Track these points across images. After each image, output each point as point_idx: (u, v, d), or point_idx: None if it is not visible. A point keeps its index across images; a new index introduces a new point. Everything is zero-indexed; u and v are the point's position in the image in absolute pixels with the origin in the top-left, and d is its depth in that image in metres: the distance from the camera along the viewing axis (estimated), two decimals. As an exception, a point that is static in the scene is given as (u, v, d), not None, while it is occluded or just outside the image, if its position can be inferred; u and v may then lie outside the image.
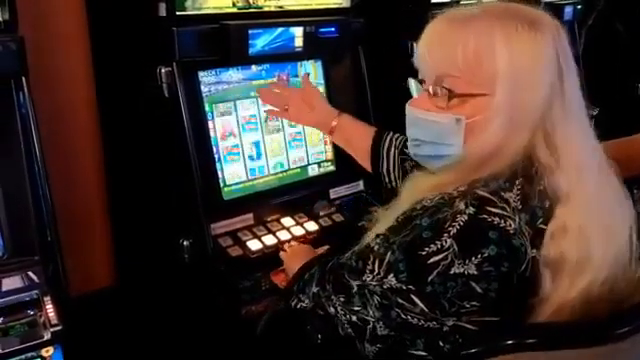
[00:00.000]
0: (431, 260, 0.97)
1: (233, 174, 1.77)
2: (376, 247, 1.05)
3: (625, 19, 3.10)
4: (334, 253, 1.23)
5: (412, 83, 1.17)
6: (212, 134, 1.73)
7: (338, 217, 1.85)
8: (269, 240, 1.68)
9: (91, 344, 1.52)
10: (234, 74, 1.78)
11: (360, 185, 1.95)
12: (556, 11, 2.66)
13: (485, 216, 0.96)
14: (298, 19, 1.75)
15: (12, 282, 1.34)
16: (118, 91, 1.83)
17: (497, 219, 0.96)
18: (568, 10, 2.76)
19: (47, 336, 1.26)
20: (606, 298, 0.98)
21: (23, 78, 1.38)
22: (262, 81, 1.84)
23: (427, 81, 1.10)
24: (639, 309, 0.97)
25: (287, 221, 1.77)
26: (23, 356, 1.24)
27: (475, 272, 0.96)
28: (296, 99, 1.69)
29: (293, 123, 1.86)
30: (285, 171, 1.90)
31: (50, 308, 1.30)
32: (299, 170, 1.93)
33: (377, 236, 1.06)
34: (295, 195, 1.85)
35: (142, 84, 1.65)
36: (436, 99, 1.08)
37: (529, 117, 1.02)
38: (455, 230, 0.96)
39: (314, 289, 1.20)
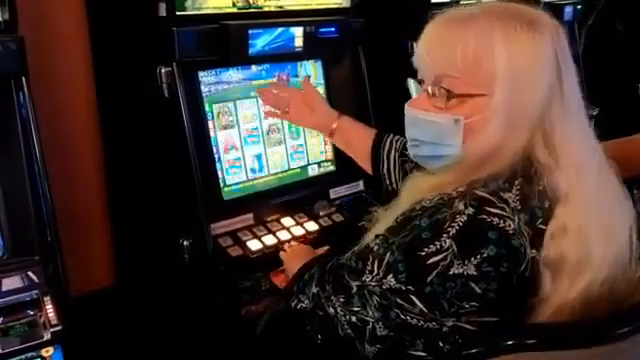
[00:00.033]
0: (430, 261, 0.97)
1: (233, 174, 1.78)
2: (375, 247, 1.05)
3: (625, 19, 3.10)
4: (334, 253, 1.23)
5: (411, 83, 1.17)
6: (212, 134, 1.73)
7: (338, 217, 1.85)
8: (269, 240, 1.68)
9: (91, 344, 1.52)
10: (234, 74, 1.78)
11: (360, 185, 1.95)
12: (556, 11, 2.68)
13: (484, 216, 0.96)
14: (298, 19, 1.75)
15: (12, 282, 1.34)
16: (118, 91, 1.83)
17: (496, 219, 0.96)
18: (568, 10, 2.76)
19: (47, 336, 1.26)
20: (606, 298, 0.98)
21: (23, 78, 1.38)
22: (262, 81, 1.84)
23: (426, 81, 1.10)
24: (639, 309, 0.97)
25: (287, 221, 1.77)
26: (23, 356, 1.24)
27: (474, 272, 0.96)
28: (296, 101, 1.69)
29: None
30: (285, 171, 1.90)
31: (50, 308, 1.30)
32: (299, 170, 1.93)
33: (376, 237, 1.06)
34: (295, 195, 1.85)
35: (142, 84, 1.65)
36: (435, 99, 1.08)
37: (528, 117, 1.02)
38: (454, 231, 0.96)
39: (314, 289, 1.20)
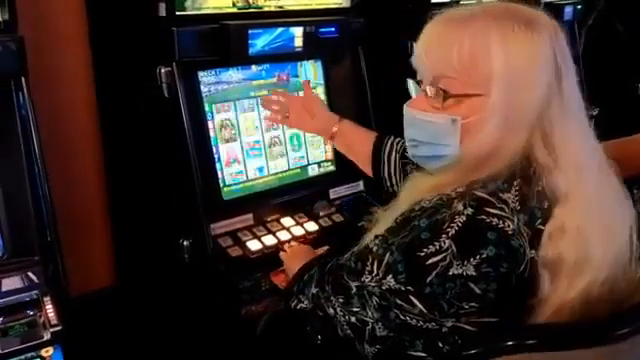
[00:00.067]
0: (430, 261, 0.97)
1: (233, 175, 1.78)
2: (375, 248, 1.05)
3: (625, 19, 3.10)
4: (334, 253, 1.23)
5: (410, 84, 1.17)
6: (212, 134, 1.73)
7: (338, 217, 1.85)
8: (269, 240, 1.68)
9: (91, 344, 1.52)
10: (234, 74, 1.78)
11: (360, 185, 1.95)
12: (556, 11, 2.68)
13: (483, 217, 0.96)
14: (298, 19, 1.75)
15: (12, 282, 1.34)
16: (118, 91, 1.83)
17: (495, 220, 0.96)
18: (568, 10, 2.76)
19: (47, 336, 1.26)
20: (606, 299, 0.98)
21: (23, 78, 1.38)
22: (262, 81, 1.84)
23: (424, 82, 1.10)
24: (639, 310, 0.97)
25: (287, 221, 1.77)
26: (23, 356, 1.24)
27: (474, 273, 0.96)
28: (296, 106, 1.71)
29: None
30: (285, 171, 1.90)
31: (50, 308, 1.30)
32: (299, 170, 1.93)
33: (376, 237, 1.06)
34: (295, 195, 1.85)
35: (142, 84, 1.65)
36: (433, 100, 1.08)
37: (526, 117, 1.01)
38: (453, 231, 0.96)
39: (313, 290, 1.20)
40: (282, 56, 1.78)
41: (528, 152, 1.02)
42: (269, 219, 1.76)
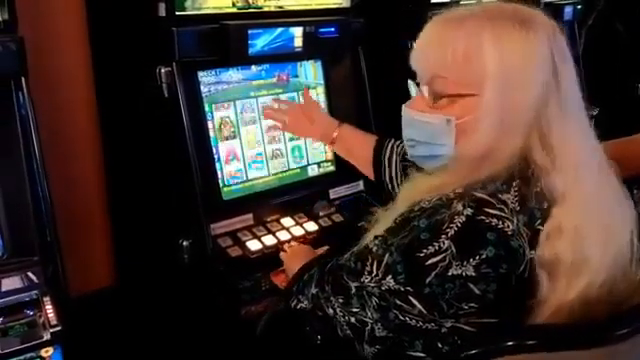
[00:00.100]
0: (429, 262, 0.97)
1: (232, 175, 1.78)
2: (374, 248, 1.05)
3: (625, 19, 3.10)
4: (334, 254, 1.23)
5: (410, 85, 1.17)
6: (212, 134, 1.73)
7: (338, 217, 1.84)
8: (269, 240, 1.68)
9: (91, 344, 1.52)
10: (234, 74, 1.78)
11: (360, 185, 1.95)
12: (556, 11, 2.68)
13: (483, 217, 0.96)
14: (298, 19, 1.75)
15: (12, 282, 1.34)
16: (118, 91, 1.83)
17: (495, 220, 0.96)
18: (568, 10, 2.76)
19: (47, 336, 1.26)
20: (605, 300, 0.98)
21: (23, 78, 1.38)
22: (262, 81, 1.84)
23: (421, 82, 1.11)
24: (638, 311, 0.97)
25: (287, 221, 1.77)
26: (22, 356, 1.24)
27: (473, 273, 0.96)
28: (296, 113, 1.73)
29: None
30: (285, 171, 1.90)
31: (50, 308, 1.30)
32: (299, 170, 1.93)
33: (375, 237, 1.06)
34: (295, 195, 1.85)
35: (142, 84, 1.65)
36: (429, 100, 1.09)
37: (522, 117, 1.01)
38: (453, 232, 0.96)
39: (313, 290, 1.20)
40: (282, 56, 1.78)
41: (526, 153, 1.01)
42: (269, 219, 1.76)
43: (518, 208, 0.97)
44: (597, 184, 1.03)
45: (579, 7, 2.85)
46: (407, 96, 1.19)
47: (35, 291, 1.34)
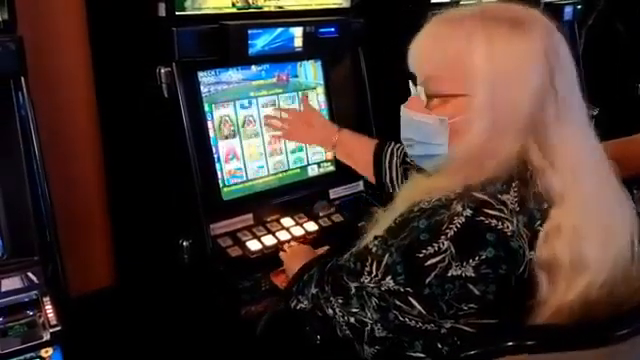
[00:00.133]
0: (428, 262, 0.97)
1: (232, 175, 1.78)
2: (374, 249, 1.05)
3: (625, 19, 3.10)
4: (334, 254, 1.23)
5: (411, 85, 1.17)
6: (212, 134, 1.73)
7: (338, 217, 1.84)
8: (269, 240, 1.68)
9: (91, 344, 1.52)
10: (234, 74, 1.77)
11: (360, 185, 1.95)
12: (556, 11, 2.68)
13: (482, 218, 0.96)
14: (298, 19, 1.75)
15: (11, 283, 1.34)
16: (117, 91, 1.82)
17: (495, 221, 0.96)
18: (568, 10, 2.76)
19: (46, 337, 1.26)
20: (605, 301, 0.98)
21: (22, 78, 1.38)
22: (262, 81, 1.84)
23: (417, 82, 1.12)
24: (639, 311, 0.97)
25: (287, 221, 1.77)
26: (22, 357, 1.24)
27: (473, 274, 0.96)
28: (296, 120, 1.75)
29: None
30: (285, 171, 1.90)
31: (49, 309, 1.30)
32: (299, 170, 1.93)
33: (375, 238, 1.07)
34: (295, 195, 1.85)
35: (142, 84, 1.65)
36: (424, 100, 1.10)
37: (515, 118, 1.01)
38: (452, 232, 0.96)
39: (313, 290, 1.20)
40: (282, 56, 1.78)
41: (524, 154, 1.01)
42: (269, 219, 1.75)
43: (518, 209, 0.97)
44: (596, 185, 1.03)
45: (579, 7, 2.85)
46: (407, 96, 1.19)
47: (35, 291, 1.34)
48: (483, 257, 0.95)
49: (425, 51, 1.08)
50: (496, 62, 1.00)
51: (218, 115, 1.74)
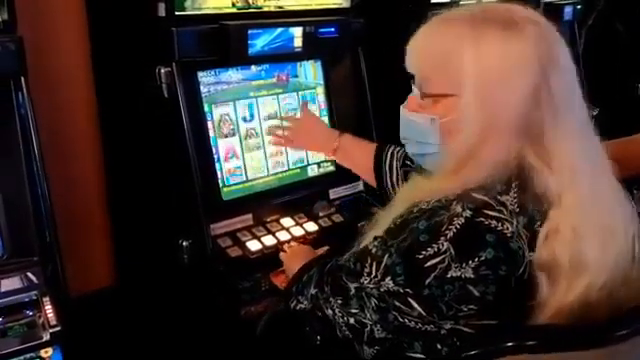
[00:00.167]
0: (428, 264, 0.97)
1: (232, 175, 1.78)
2: (374, 250, 1.05)
3: (625, 19, 3.09)
4: (334, 254, 1.23)
5: (412, 84, 1.18)
6: (211, 134, 1.73)
7: (338, 217, 1.84)
8: (269, 241, 1.68)
9: (91, 344, 1.52)
10: (233, 74, 1.77)
11: (360, 185, 1.95)
12: (556, 11, 2.68)
13: (482, 219, 0.96)
14: (298, 19, 1.75)
15: (11, 283, 1.34)
16: (117, 91, 1.82)
17: (494, 222, 0.96)
18: (568, 10, 2.76)
19: (46, 337, 1.26)
20: (605, 303, 0.98)
21: (22, 78, 1.38)
22: (262, 81, 1.84)
23: (415, 82, 1.13)
24: (638, 312, 0.97)
25: (287, 221, 1.77)
26: (22, 357, 1.24)
27: (472, 276, 0.96)
28: (296, 127, 1.76)
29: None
30: (285, 171, 1.90)
31: (49, 309, 1.30)
32: (299, 170, 1.93)
33: (375, 239, 1.07)
34: (295, 195, 1.85)
35: (141, 84, 1.65)
36: (418, 99, 1.11)
37: (507, 119, 1.00)
38: (452, 233, 0.96)
39: (312, 291, 1.20)
40: (282, 56, 1.78)
41: (520, 155, 1.01)
42: (269, 219, 1.75)
43: (517, 210, 0.97)
44: (595, 185, 1.02)
45: (579, 7, 2.85)
46: (407, 96, 1.20)
47: (35, 291, 1.33)
48: (483, 258, 0.95)
49: (419, 51, 1.09)
50: (484, 63, 1.00)
51: (218, 113, 1.74)
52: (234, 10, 1.67)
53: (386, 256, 1.02)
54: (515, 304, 0.99)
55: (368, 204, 1.87)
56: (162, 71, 1.57)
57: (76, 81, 1.87)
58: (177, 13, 1.55)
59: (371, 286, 1.04)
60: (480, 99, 1.01)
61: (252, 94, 1.82)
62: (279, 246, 1.65)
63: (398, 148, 1.58)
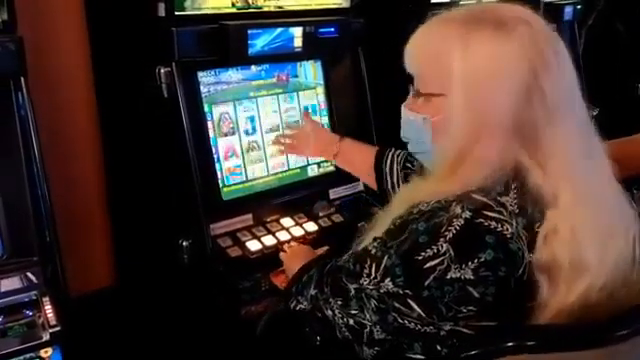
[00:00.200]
0: (427, 265, 0.97)
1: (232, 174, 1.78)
2: (373, 251, 1.05)
3: (625, 19, 3.09)
4: (333, 254, 1.23)
5: (411, 84, 1.18)
6: (211, 134, 1.73)
7: (338, 218, 1.84)
8: (268, 241, 1.68)
9: (91, 344, 1.52)
10: (233, 74, 1.77)
11: (360, 185, 1.95)
12: (556, 11, 2.68)
13: (482, 220, 0.96)
14: (298, 19, 1.75)
15: (11, 283, 1.34)
16: (117, 91, 1.82)
17: (494, 223, 0.95)
18: (568, 10, 2.76)
19: (46, 337, 1.26)
20: (605, 304, 0.97)
21: (22, 78, 1.38)
22: (261, 81, 1.84)
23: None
24: (638, 311, 0.97)
25: (287, 221, 1.77)
26: (22, 357, 1.24)
27: (472, 277, 0.95)
28: (300, 136, 1.78)
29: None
30: (285, 171, 1.90)
31: (49, 309, 1.30)
32: (299, 170, 1.93)
33: (374, 239, 1.06)
34: (295, 195, 1.85)
35: (141, 84, 1.65)
36: (415, 98, 1.12)
37: (497, 119, 1.00)
38: (451, 235, 0.96)
39: (312, 291, 1.20)
40: (282, 56, 1.78)
41: (516, 155, 1.00)
42: (269, 219, 1.75)
43: (517, 211, 0.97)
44: (594, 185, 1.02)
45: (579, 7, 2.84)
46: (407, 96, 1.20)
47: (34, 291, 1.34)
48: (482, 259, 0.95)
49: (414, 51, 1.10)
50: (472, 63, 1.00)
51: (217, 112, 1.74)
52: (234, 10, 1.67)
53: (385, 257, 1.02)
54: (515, 305, 0.98)
55: (368, 204, 1.87)
56: (162, 71, 1.57)
57: (76, 81, 1.87)
58: (177, 13, 1.55)
59: (371, 287, 1.04)
60: (468, 99, 1.01)
61: (252, 94, 1.82)
62: (279, 246, 1.65)
63: (398, 151, 1.58)
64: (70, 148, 1.89)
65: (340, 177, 1.94)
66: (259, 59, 1.75)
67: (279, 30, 1.69)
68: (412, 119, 1.13)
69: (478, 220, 0.96)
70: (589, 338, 0.93)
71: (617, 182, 1.07)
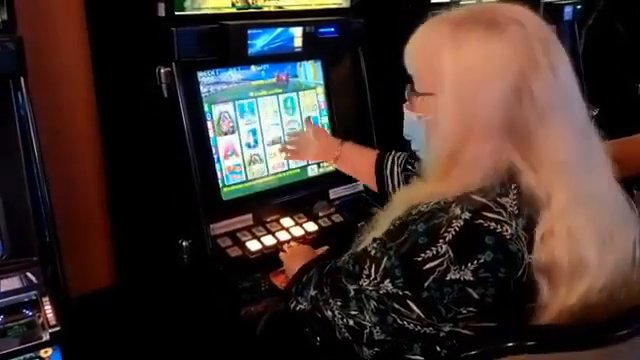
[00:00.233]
0: (427, 266, 0.97)
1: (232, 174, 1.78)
2: (373, 252, 1.05)
3: (625, 19, 3.09)
4: (333, 254, 1.23)
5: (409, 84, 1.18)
6: (211, 134, 1.73)
7: (338, 218, 1.84)
8: (268, 241, 1.68)
9: (90, 344, 1.52)
10: (233, 74, 1.77)
11: (360, 186, 1.95)
12: (556, 11, 2.67)
13: (481, 221, 0.96)
14: (298, 19, 1.75)
15: (11, 283, 1.34)
16: (117, 91, 1.82)
17: (493, 224, 0.95)
18: (568, 10, 2.76)
19: (46, 337, 1.26)
20: (605, 305, 0.97)
21: (22, 78, 1.38)
22: (261, 81, 1.84)
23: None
24: (638, 312, 0.97)
25: (286, 221, 1.77)
26: (22, 357, 1.23)
27: (471, 278, 0.95)
28: (300, 140, 1.80)
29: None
30: (285, 171, 1.90)
31: (49, 309, 1.30)
32: (299, 170, 1.93)
33: (374, 240, 1.06)
34: (295, 195, 1.85)
35: (141, 84, 1.65)
36: (413, 97, 1.13)
37: (487, 119, 0.99)
38: (450, 236, 0.96)
39: (312, 292, 1.20)
40: (281, 56, 1.78)
41: (509, 156, 1.00)
42: (269, 219, 1.76)
43: (517, 212, 0.97)
44: (592, 186, 1.01)
45: (579, 7, 2.84)
46: (407, 96, 1.20)
47: (34, 291, 1.34)
48: (482, 260, 0.95)
49: (412, 51, 1.10)
50: (462, 63, 1.00)
51: (217, 111, 1.74)
52: (234, 10, 1.67)
53: (385, 258, 1.02)
54: (514, 306, 0.98)
55: (368, 204, 1.87)
56: (162, 71, 1.57)
57: (76, 81, 1.87)
58: (177, 13, 1.55)
59: (370, 288, 1.04)
60: (457, 99, 1.01)
61: (252, 94, 1.82)
62: (279, 246, 1.65)
63: (399, 154, 1.59)
64: (70, 148, 1.89)
65: (340, 177, 1.94)
66: (259, 59, 1.76)
67: (279, 30, 1.69)
68: (409, 117, 1.14)
69: (477, 221, 0.96)
70: (589, 338, 0.93)
71: (617, 183, 1.06)
